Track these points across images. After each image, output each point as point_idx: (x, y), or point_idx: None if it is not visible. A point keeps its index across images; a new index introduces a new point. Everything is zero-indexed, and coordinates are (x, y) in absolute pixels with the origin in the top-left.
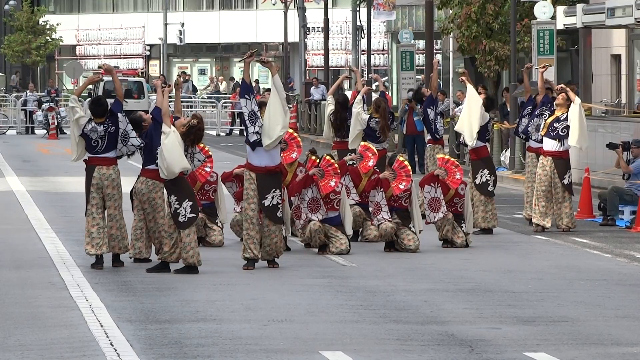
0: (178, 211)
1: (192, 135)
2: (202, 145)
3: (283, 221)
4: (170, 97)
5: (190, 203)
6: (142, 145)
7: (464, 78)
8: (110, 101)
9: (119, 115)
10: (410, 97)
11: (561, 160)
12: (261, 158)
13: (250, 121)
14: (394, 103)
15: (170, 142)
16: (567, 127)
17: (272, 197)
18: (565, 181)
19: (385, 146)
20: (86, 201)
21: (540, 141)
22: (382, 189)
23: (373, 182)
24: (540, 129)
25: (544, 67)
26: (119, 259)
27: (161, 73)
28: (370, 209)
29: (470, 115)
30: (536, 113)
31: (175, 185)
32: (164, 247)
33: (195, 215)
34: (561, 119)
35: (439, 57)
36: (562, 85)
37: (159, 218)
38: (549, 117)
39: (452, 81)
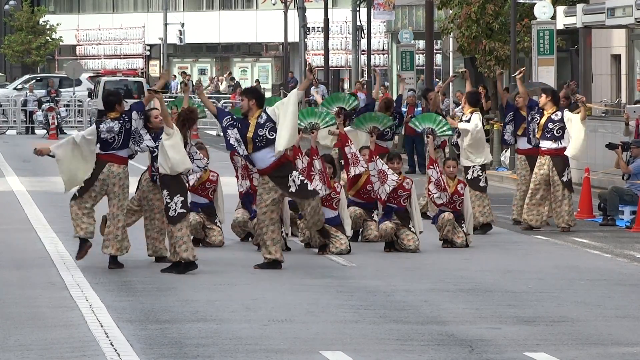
0: (169, 205)
1: (182, 118)
2: (203, 147)
3: (315, 193)
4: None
5: (182, 199)
6: (156, 146)
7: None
8: (127, 100)
9: (135, 113)
10: (409, 95)
11: (559, 158)
12: (263, 161)
13: (239, 145)
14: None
15: (175, 142)
16: (562, 128)
17: (294, 181)
18: (565, 178)
19: (389, 145)
20: (82, 188)
21: (537, 144)
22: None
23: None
24: (535, 133)
25: (520, 72)
26: (116, 261)
27: (161, 73)
28: (375, 180)
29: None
30: (528, 120)
31: (169, 179)
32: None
33: (185, 211)
34: (554, 119)
35: (439, 56)
36: (581, 98)
37: (155, 219)
38: (540, 119)
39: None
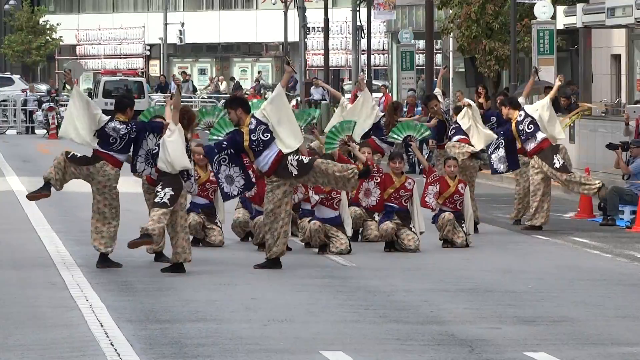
0: (158, 194)
1: (181, 117)
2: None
3: (312, 160)
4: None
5: (172, 193)
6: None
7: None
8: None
9: (152, 136)
10: (409, 95)
11: (542, 151)
12: (266, 163)
13: (228, 182)
14: None
15: (176, 139)
16: (531, 122)
17: (292, 165)
18: (557, 164)
19: (384, 147)
20: (75, 158)
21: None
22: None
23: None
24: (513, 158)
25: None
26: (105, 259)
27: (161, 73)
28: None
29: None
30: (490, 152)
31: (168, 178)
32: (174, 248)
33: (169, 204)
34: (520, 119)
35: (439, 56)
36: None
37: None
38: (511, 130)
39: (452, 81)
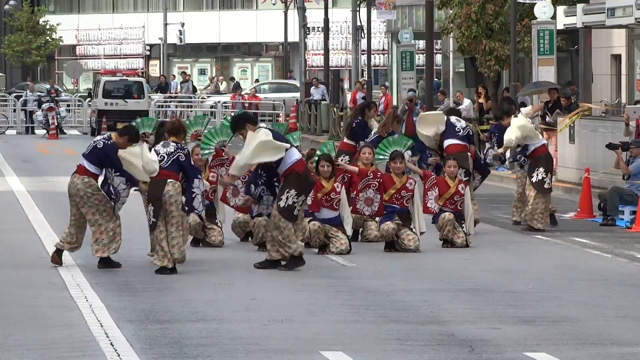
0: (146, 214)
1: (172, 125)
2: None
3: (295, 218)
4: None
5: (152, 208)
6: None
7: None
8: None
9: (126, 185)
10: (409, 96)
11: (534, 159)
12: (282, 169)
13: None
14: (394, 103)
15: (130, 153)
16: None
17: (287, 198)
18: (534, 179)
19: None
20: None
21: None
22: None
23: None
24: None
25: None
26: (107, 261)
27: (161, 74)
28: (361, 206)
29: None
30: (520, 161)
31: (149, 193)
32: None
33: (156, 220)
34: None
35: (439, 56)
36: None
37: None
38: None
39: (452, 81)
